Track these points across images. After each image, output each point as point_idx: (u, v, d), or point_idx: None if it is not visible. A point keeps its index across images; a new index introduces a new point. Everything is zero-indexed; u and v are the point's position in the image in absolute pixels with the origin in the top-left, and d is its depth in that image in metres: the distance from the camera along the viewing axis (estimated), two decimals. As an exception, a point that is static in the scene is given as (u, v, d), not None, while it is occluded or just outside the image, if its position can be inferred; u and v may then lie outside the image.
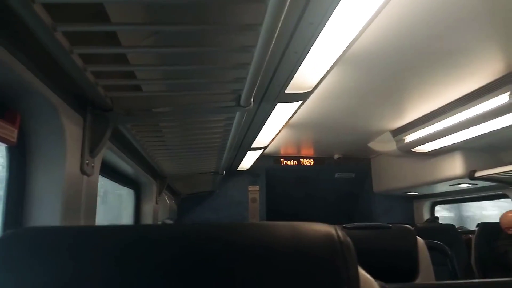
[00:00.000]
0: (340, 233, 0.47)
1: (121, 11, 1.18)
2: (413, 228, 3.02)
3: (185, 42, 1.45)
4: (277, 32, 0.88)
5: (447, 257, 1.46)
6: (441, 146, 3.68)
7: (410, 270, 1.35)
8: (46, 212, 1.10)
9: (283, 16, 0.82)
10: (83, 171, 1.24)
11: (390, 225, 1.45)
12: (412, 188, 4.81)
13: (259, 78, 1.17)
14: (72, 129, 1.16)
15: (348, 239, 0.47)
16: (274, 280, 0.44)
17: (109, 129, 1.33)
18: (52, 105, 1.07)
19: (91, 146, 1.29)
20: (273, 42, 0.93)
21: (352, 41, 1.68)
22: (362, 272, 0.51)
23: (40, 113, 1.07)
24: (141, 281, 0.45)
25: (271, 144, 3.92)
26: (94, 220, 1.38)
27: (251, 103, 1.38)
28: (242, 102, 1.34)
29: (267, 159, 5.20)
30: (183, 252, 0.46)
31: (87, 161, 1.26)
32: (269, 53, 0.98)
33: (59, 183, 1.12)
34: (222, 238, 0.46)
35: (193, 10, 1.19)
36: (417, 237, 1.42)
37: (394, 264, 1.35)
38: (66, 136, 1.12)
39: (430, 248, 1.42)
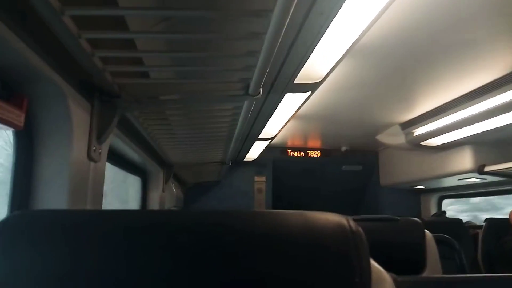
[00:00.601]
0: (352, 223, 0.46)
1: (130, -4, 1.17)
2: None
3: (194, 29, 1.43)
4: (288, 19, 0.86)
5: (455, 251, 1.45)
6: (450, 140, 3.64)
7: (418, 263, 1.34)
8: (53, 197, 1.10)
9: (295, 2, 0.80)
10: (90, 157, 1.24)
11: (398, 218, 1.43)
12: (419, 182, 4.78)
13: (269, 67, 1.15)
14: (79, 115, 1.16)
15: (360, 229, 0.46)
16: (285, 269, 0.43)
17: (116, 116, 1.33)
18: (60, 90, 1.06)
19: (98, 133, 1.28)
20: (284, 29, 0.91)
21: (362, 32, 1.65)
22: (374, 263, 0.50)
23: (47, 98, 1.07)
24: (148, 265, 0.44)
25: (278, 135, 3.90)
26: (101, 207, 1.38)
27: (260, 92, 1.37)
28: (250, 91, 1.33)
29: (274, 150, 5.19)
30: (192, 238, 0.45)
31: (94, 148, 1.26)
32: (279, 40, 0.96)
33: (66, 169, 1.11)
34: (231, 225, 0.45)
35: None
36: (426, 230, 1.40)
37: (402, 256, 1.34)
38: (73, 122, 1.12)
39: (438, 241, 1.41)
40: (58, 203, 1.09)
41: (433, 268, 1.32)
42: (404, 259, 1.33)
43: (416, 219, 1.45)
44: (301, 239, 0.44)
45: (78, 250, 0.46)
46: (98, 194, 1.35)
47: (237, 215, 0.47)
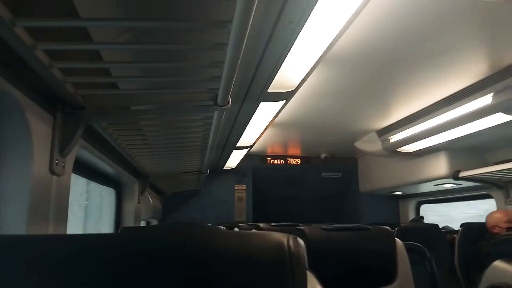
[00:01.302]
0: (292, 243, 0.45)
1: (92, 6, 1.15)
2: (396, 228, 3.03)
3: (159, 39, 1.42)
4: (248, 29, 0.85)
5: (425, 259, 1.45)
6: (425, 146, 3.70)
7: (389, 272, 1.34)
8: (13, 214, 1.06)
9: (253, 13, 0.79)
10: (52, 171, 1.20)
11: (369, 227, 1.43)
12: (397, 188, 4.84)
13: (235, 77, 1.14)
14: (39, 128, 1.12)
15: (301, 250, 0.45)
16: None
17: (80, 127, 1.29)
18: (17, 103, 1.02)
19: (61, 145, 1.24)
20: (245, 39, 0.90)
21: (333, 40, 1.66)
22: (314, 284, 0.49)
23: (4, 111, 1.03)
24: None
25: (257, 143, 3.90)
26: (66, 220, 1.34)
27: (228, 102, 1.36)
28: (219, 101, 1.32)
29: (254, 158, 5.18)
30: (124, 261, 0.43)
31: (56, 161, 1.22)
32: (242, 50, 0.95)
33: (26, 184, 1.07)
34: (164, 246, 0.44)
35: (166, 6, 1.16)
36: (396, 238, 1.40)
37: (373, 266, 1.34)
38: (32, 135, 1.08)
39: (409, 250, 1.41)
40: (17, 220, 1.05)
41: (404, 277, 1.32)
42: (375, 269, 1.33)
43: (387, 227, 1.45)
44: (237, 260, 0.43)
45: (18, 279, 0.44)
46: (63, 208, 1.31)
47: (172, 235, 0.45)
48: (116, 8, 1.23)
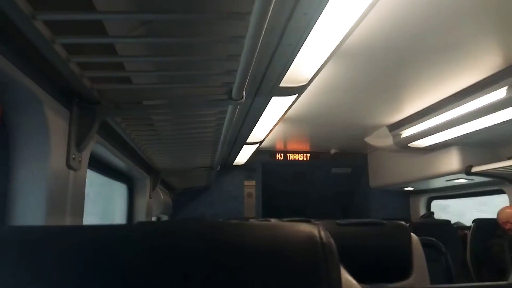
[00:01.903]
0: (323, 234, 0.44)
1: (108, 0, 1.15)
2: (408, 224, 3.02)
3: (175, 32, 1.41)
4: (267, 21, 0.85)
5: (441, 254, 1.44)
6: (437, 141, 3.66)
7: (404, 268, 1.33)
8: (31, 208, 1.07)
9: (272, 5, 0.79)
10: (69, 166, 1.21)
11: (384, 222, 1.42)
12: (408, 183, 4.80)
13: (250, 71, 1.13)
14: (57, 122, 1.13)
15: (332, 241, 0.44)
16: (253, 281, 0.42)
17: (96, 122, 1.30)
18: (36, 98, 1.03)
19: (77, 140, 1.25)
20: (263, 32, 0.89)
21: (347, 33, 1.64)
22: (345, 275, 0.49)
23: (23, 106, 1.04)
24: (111, 282, 0.42)
25: (267, 139, 3.89)
26: (82, 215, 1.35)
27: (243, 97, 1.35)
28: (233, 95, 1.31)
29: (263, 154, 5.18)
30: (156, 251, 0.43)
31: (73, 156, 1.22)
32: (259, 44, 0.95)
33: (44, 178, 1.08)
34: (200, 237, 0.44)
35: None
36: (412, 234, 1.39)
37: (388, 261, 1.33)
38: (50, 130, 1.08)
39: (425, 245, 1.40)
40: (35, 213, 1.06)
41: (420, 272, 1.31)
42: (390, 264, 1.32)
43: (402, 222, 1.44)
44: (270, 251, 0.43)
45: (41, 269, 0.44)
46: (79, 203, 1.31)
47: (203, 227, 0.45)
48: (132, 1, 1.23)
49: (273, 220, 2.81)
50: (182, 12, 0.93)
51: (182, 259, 0.44)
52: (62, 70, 1.01)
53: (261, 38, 0.92)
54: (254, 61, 1.05)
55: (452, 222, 3.71)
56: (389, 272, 1.31)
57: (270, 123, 3.09)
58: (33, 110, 1.06)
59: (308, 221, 2.51)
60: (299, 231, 0.45)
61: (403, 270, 1.32)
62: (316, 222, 1.43)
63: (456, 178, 4.01)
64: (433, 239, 1.51)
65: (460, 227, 3.87)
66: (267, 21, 0.84)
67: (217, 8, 1.21)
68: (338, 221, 1.41)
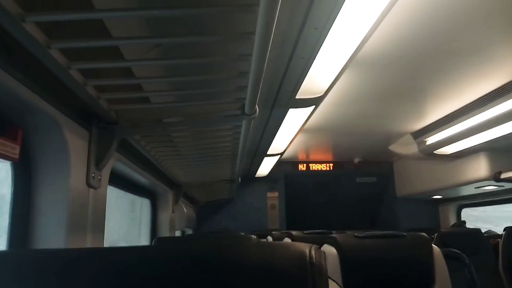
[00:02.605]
0: (314, 254, 0.45)
1: (122, 25, 1.19)
2: (436, 234, 2.93)
3: (187, 52, 1.45)
4: (271, 39, 0.86)
5: (464, 266, 1.40)
6: (464, 148, 3.56)
7: (426, 280, 1.29)
8: (52, 227, 1.11)
9: (274, 24, 0.80)
10: (89, 184, 1.25)
11: (405, 234, 1.40)
12: (436, 192, 4.67)
13: (263, 85, 1.15)
14: (76, 143, 1.17)
15: (322, 261, 0.45)
16: None
17: (115, 141, 1.34)
18: (55, 121, 1.08)
19: (97, 159, 1.29)
20: (269, 49, 0.91)
21: (360, 43, 1.64)
22: None
23: (42, 129, 1.09)
24: None
25: (288, 150, 3.89)
26: (103, 231, 1.39)
27: (256, 111, 1.37)
28: (246, 110, 1.33)
29: (285, 165, 5.16)
30: (158, 274, 0.45)
31: (93, 174, 1.27)
32: (266, 60, 0.96)
33: (64, 197, 1.12)
34: (194, 257, 0.45)
35: (191, 21, 1.19)
36: (433, 245, 1.36)
37: (409, 274, 1.30)
38: (70, 150, 1.13)
39: (447, 256, 1.36)
40: (57, 233, 1.10)
41: (442, 284, 1.28)
42: (411, 276, 1.29)
43: (423, 234, 1.40)
44: (261, 270, 0.44)
45: None
46: (100, 220, 1.35)
47: (199, 249, 0.46)
48: (145, 25, 1.28)
49: (295, 233, 2.80)
50: (192, 35, 0.96)
51: (188, 277, 0.46)
52: (79, 93, 1.05)
53: (267, 54, 0.93)
54: (263, 76, 1.07)
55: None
56: (410, 285, 1.28)
57: (289, 135, 3.09)
58: (53, 133, 1.10)
59: (329, 233, 2.48)
60: (290, 251, 0.46)
61: (425, 282, 1.29)
62: (334, 235, 1.42)
63: (485, 185, 3.87)
64: (456, 250, 1.47)
65: (492, 235, 3.73)
66: (271, 39, 0.86)
67: (223, 29, 1.23)
68: (356, 234, 1.39)
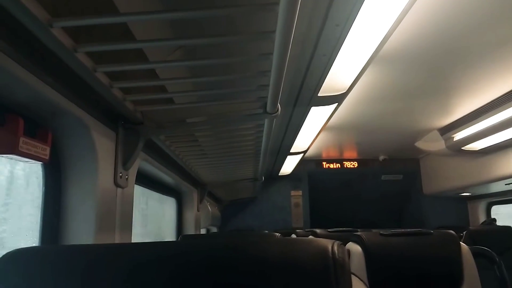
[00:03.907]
0: (337, 249, 0.45)
1: (145, 28, 1.22)
2: (464, 232, 2.85)
3: (208, 53, 1.47)
4: (291, 37, 0.86)
5: (494, 264, 1.36)
6: (493, 143, 3.46)
7: (454, 279, 1.27)
8: (82, 225, 1.15)
9: (295, 22, 0.80)
10: (117, 184, 1.28)
11: (431, 231, 1.37)
12: (465, 189, 4.55)
13: (284, 83, 1.15)
14: (103, 144, 1.21)
15: (345, 257, 0.45)
16: None
17: (140, 142, 1.37)
18: (83, 123, 1.11)
19: (124, 159, 1.33)
20: (290, 47, 0.91)
21: (382, 40, 1.62)
22: None
23: (71, 130, 1.12)
24: None
25: (312, 148, 3.87)
26: (131, 229, 1.42)
27: (278, 110, 1.37)
28: (268, 109, 1.34)
29: (309, 163, 5.14)
30: (184, 268, 0.46)
31: (120, 174, 1.30)
32: (287, 58, 0.97)
33: (93, 196, 1.16)
34: (218, 252, 0.46)
35: (212, 22, 1.20)
36: (461, 243, 1.33)
37: (436, 272, 1.27)
38: (97, 151, 1.16)
39: (476, 254, 1.33)
40: (86, 230, 1.14)
41: (471, 282, 1.25)
42: (439, 274, 1.27)
43: (451, 231, 1.37)
44: (284, 265, 0.45)
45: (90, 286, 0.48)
46: (127, 218, 1.39)
47: (223, 245, 0.47)
48: (168, 27, 1.30)
49: (319, 231, 2.79)
50: (213, 36, 0.97)
51: (212, 271, 0.47)
52: (105, 96, 1.08)
53: (288, 53, 0.94)
54: (285, 74, 1.07)
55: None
56: (438, 283, 1.26)
57: (312, 133, 3.08)
58: (81, 134, 1.14)
59: (354, 232, 2.46)
60: (313, 247, 0.46)
61: (453, 280, 1.26)
62: (359, 233, 1.41)
63: (516, 181, 3.75)
64: (485, 248, 1.43)
65: (524, 233, 3.60)
66: (292, 37, 0.86)
67: (243, 29, 1.24)
68: (381, 232, 1.38)
